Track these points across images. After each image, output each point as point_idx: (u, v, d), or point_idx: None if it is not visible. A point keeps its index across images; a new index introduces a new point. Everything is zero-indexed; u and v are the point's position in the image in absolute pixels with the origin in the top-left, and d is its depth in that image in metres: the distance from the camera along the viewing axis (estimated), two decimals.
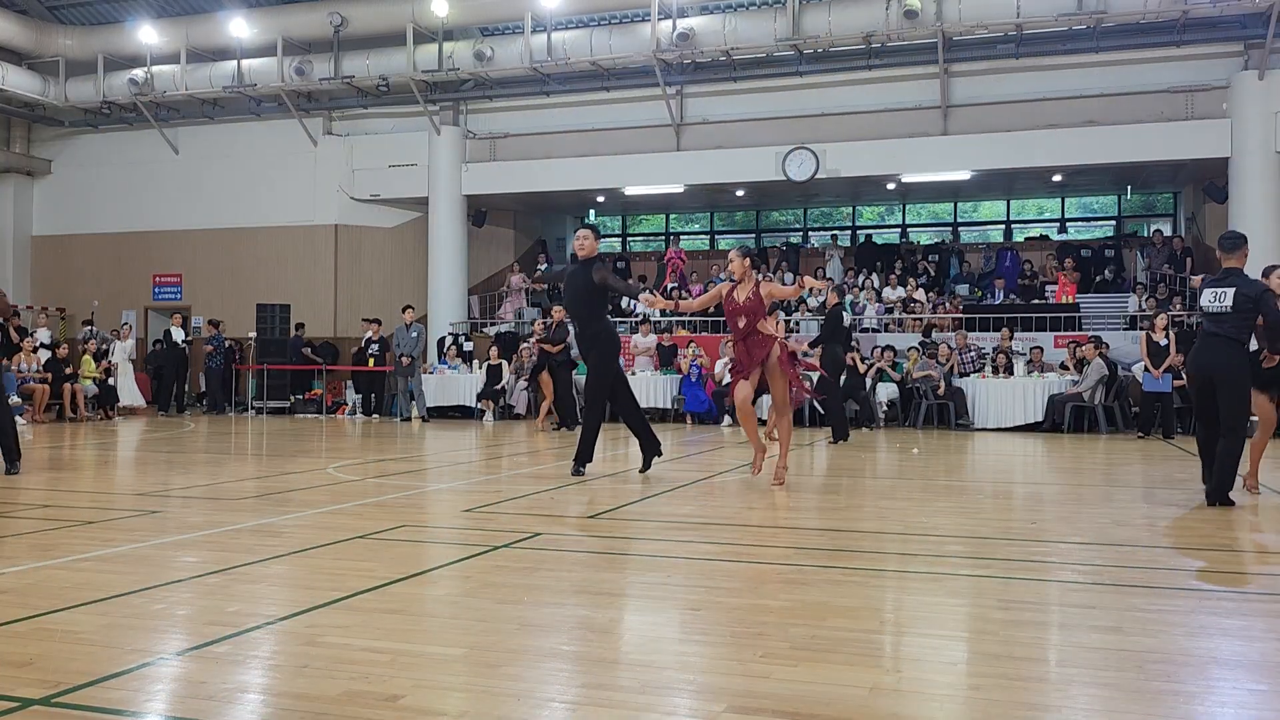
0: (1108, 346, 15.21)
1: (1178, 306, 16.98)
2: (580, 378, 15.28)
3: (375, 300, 20.51)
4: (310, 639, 3.41)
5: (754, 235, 24.40)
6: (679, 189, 19.95)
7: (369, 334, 18.33)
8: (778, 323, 7.72)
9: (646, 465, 8.39)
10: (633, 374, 15.72)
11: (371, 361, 18.19)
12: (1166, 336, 13.79)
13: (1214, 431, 6.77)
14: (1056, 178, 19.56)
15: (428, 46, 19.00)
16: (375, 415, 18.03)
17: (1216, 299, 6.63)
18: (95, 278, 22.08)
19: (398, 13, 18.97)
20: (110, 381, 17.96)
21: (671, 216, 24.96)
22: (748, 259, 7.76)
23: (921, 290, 19.09)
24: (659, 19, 17.68)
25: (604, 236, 25.38)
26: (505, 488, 7.79)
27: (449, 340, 18.94)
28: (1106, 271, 19.71)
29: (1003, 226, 22.87)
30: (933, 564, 4.78)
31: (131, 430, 14.71)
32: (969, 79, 17.81)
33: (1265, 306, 6.54)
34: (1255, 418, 7.22)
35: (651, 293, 10.97)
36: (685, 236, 24.19)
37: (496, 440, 12.86)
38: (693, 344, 17.22)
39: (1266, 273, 7.26)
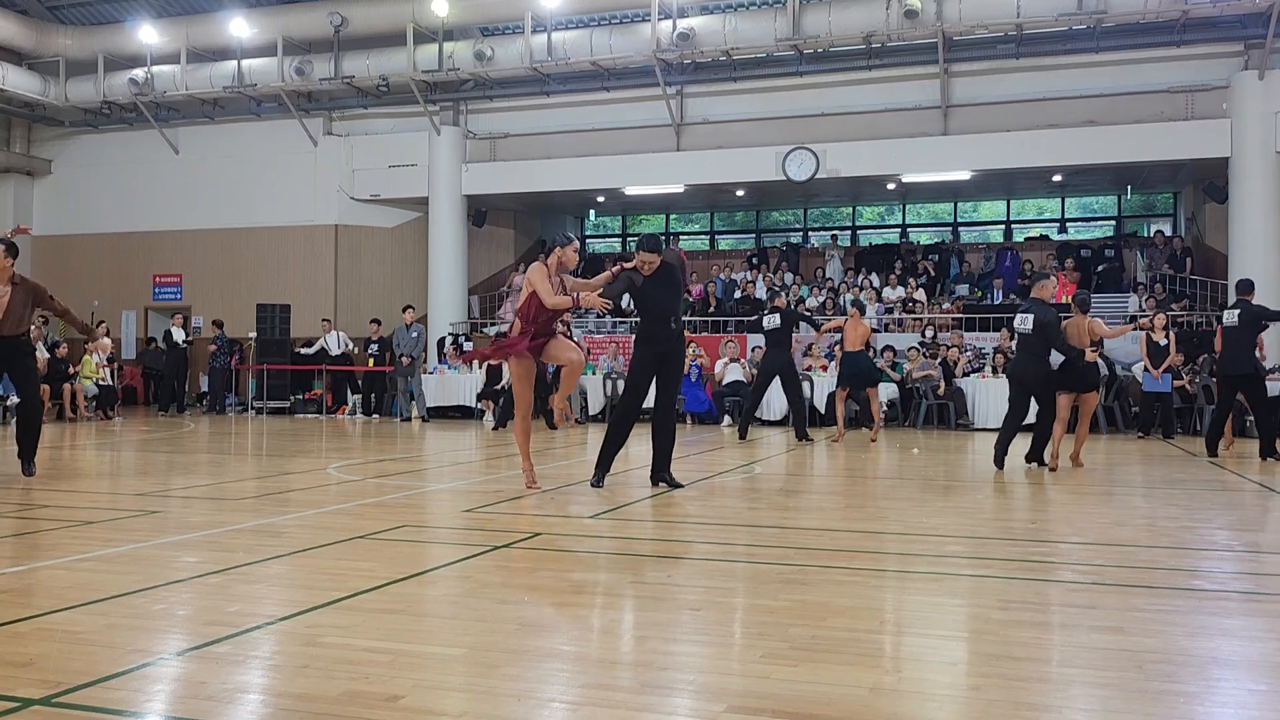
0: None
1: (1177, 308, 16.96)
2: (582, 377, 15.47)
3: (375, 300, 20.51)
4: (310, 639, 3.41)
5: (754, 235, 24.42)
6: (679, 189, 19.93)
7: (360, 335, 18.31)
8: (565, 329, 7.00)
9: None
10: None
11: (371, 361, 18.20)
12: (1166, 336, 13.78)
13: (1020, 419, 9.26)
14: (1056, 178, 19.56)
15: (428, 46, 19.00)
16: (375, 415, 18.03)
17: (1021, 323, 9.15)
18: (95, 278, 22.06)
19: (398, 13, 18.97)
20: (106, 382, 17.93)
21: (671, 216, 24.95)
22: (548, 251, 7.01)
23: (921, 290, 19.08)
24: (659, 19, 17.67)
25: (604, 236, 25.49)
26: (505, 488, 7.79)
27: (449, 340, 18.94)
28: (1106, 264, 19.64)
29: (1003, 226, 22.88)
30: (933, 564, 4.78)
31: (131, 430, 14.71)
32: (969, 79, 17.80)
33: (1051, 332, 8.96)
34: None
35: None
36: (685, 236, 24.20)
37: (496, 440, 12.85)
38: (692, 344, 17.19)
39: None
